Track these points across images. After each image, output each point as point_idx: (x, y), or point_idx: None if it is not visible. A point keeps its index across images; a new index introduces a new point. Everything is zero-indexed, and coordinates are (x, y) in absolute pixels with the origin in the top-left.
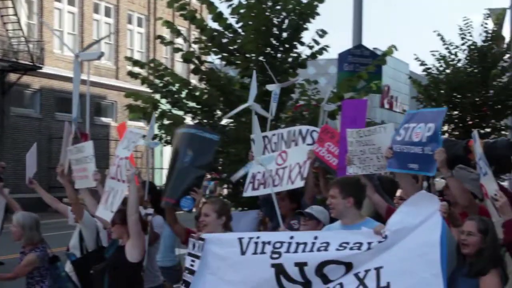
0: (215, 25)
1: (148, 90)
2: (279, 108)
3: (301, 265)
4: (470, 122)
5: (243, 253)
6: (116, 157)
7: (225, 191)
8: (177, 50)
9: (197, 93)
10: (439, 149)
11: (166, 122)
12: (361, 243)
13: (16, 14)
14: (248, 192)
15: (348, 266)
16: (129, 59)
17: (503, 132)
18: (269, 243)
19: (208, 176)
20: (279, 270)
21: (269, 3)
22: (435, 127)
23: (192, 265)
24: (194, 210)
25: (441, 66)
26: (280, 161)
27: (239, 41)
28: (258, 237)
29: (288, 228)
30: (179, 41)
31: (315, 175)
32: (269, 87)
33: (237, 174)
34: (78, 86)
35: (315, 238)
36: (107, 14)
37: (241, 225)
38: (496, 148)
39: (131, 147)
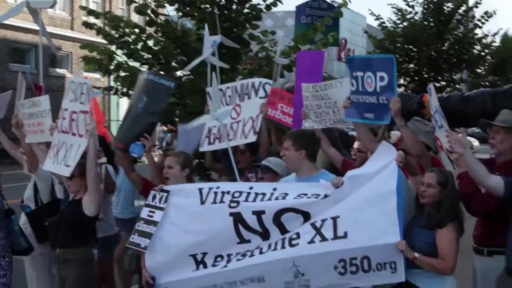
0: None
1: (103, 41)
2: (235, 60)
3: (258, 214)
4: (426, 75)
5: (202, 202)
6: (63, 110)
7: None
8: (131, 1)
9: (152, 44)
10: (394, 98)
11: (122, 74)
12: (318, 194)
13: None
14: (204, 147)
15: (306, 216)
16: (84, 8)
17: (458, 86)
18: (228, 192)
19: (165, 128)
20: (237, 219)
21: None
22: (388, 76)
23: (150, 216)
24: (144, 157)
25: (398, 19)
26: (235, 115)
27: None
28: (218, 187)
29: (245, 181)
30: None
31: (268, 129)
32: (212, 37)
33: (191, 125)
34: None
35: (274, 189)
36: None
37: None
38: (450, 103)
39: (85, 100)
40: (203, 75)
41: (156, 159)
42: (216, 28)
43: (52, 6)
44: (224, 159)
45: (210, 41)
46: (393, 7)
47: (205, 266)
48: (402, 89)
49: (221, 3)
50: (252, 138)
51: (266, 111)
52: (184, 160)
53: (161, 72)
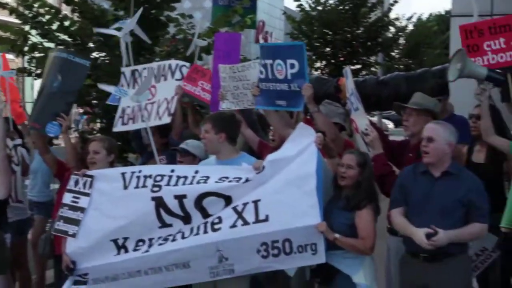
0: None
1: (17, 21)
2: (153, 42)
3: (180, 198)
4: (342, 59)
5: (125, 187)
6: None
7: (98, 125)
8: None
9: (68, 24)
10: (305, 84)
11: (37, 55)
12: (240, 178)
13: None
14: (118, 127)
15: (227, 200)
16: None
17: (373, 69)
18: (150, 176)
19: (81, 110)
20: (159, 203)
21: None
22: (299, 63)
23: (75, 202)
24: (60, 136)
25: (314, 3)
26: (149, 95)
27: None
28: (140, 171)
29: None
30: None
31: (184, 110)
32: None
33: (106, 87)
34: None
35: (196, 172)
36: None
37: None
38: (366, 87)
39: None
40: (121, 57)
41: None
42: (132, 8)
43: None
44: (135, 141)
45: (128, 23)
46: None
47: (126, 251)
48: (318, 72)
49: None
50: (166, 119)
51: (182, 93)
52: (109, 145)
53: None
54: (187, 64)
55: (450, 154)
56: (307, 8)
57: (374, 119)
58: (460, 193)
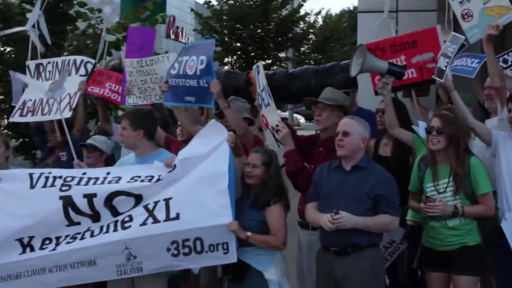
0: None
1: None
2: (61, 37)
3: (90, 197)
4: (252, 54)
5: (32, 187)
6: None
7: (6, 122)
8: None
9: None
10: (213, 81)
11: None
12: (152, 176)
13: None
14: (16, 118)
15: (138, 199)
16: None
17: (283, 64)
18: (60, 177)
19: None
20: (67, 202)
21: None
22: (207, 59)
23: None
24: None
25: None
26: (64, 92)
27: None
28: (49, 172)
29: (55, 159)
30: None
31: (92, 107)
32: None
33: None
34: None
35: (108, 173)
36: None
37: None
38: (275, 80)
39: None
40: (27, 51)
41: None
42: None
43: None
44: (36, 136)
45: (35, 16)
46: None
47: (32, 250)
48: (228, 67)
49: None
50: (67, 114)
51: (85, 89)
52: (5, 140)
53: None
54: (92, 60)
55: (364, 149)
56: (216, 4)
57: (285, 113)
58: (368, 186)
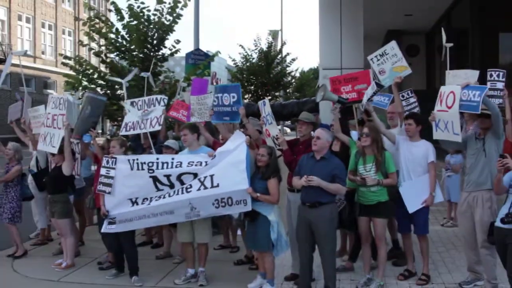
0: (112, 36)
1: (74, 73)
2: (149, 84)
3: (167, 176)
4: (260, 93)
5: (131, 168)
6: (48, 113)
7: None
8: (90, 49)
9: (103, 75)
10: (240, 107)
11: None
12: (201, 161)
13: None
14: (123, 132)
15: (194, 175)
16: (61, 55)
17: (278, 99)
18: (144, 163)
19: (113, 123)
20: (155, 179)
21: (146, 23)
22: (237, 95)
23: (108, 173)
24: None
25: (244, 61)
26: (144, 114)
27: (128, 45)
28: (137, 159)
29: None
30: (93, 44)
31: (171, 124)
32: (145, 73)
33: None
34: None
35: (172, 159)
36: (50, 28)
37: None
38: (274, 107)
39: (62, 107)
40: (136, 91)
41: (101, 142)
42: (142, 65)
43: (24, 54)
44: (132, 142)
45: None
46: (239, 53)
47: (137, 204)
48: (247, 100)
49: (144, 51)
50: (157, 127)
51: (166, 113)
52: (122, 142)
53: (108, 91)
54: (166, 97)
55: (328, 147)
56: (240, 65)
57: (279, 127)
58: (328, 169)
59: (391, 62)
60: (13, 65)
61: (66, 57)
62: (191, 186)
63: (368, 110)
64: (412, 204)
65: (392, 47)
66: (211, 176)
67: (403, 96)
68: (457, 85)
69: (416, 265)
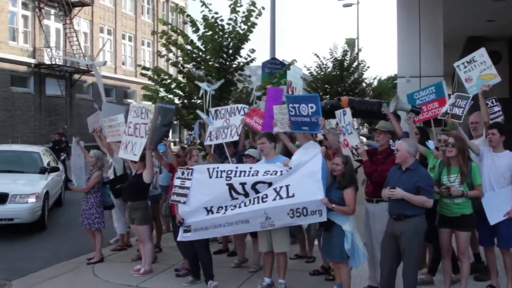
0: (188, 47)
1: (152, 83)
2: (228, 93)
3: (243, 184)
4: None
5: (210, 177)
6: (129, 122)
7: (198, 141)
8: (168, 60)
9: (182, 85)
10: (320, 118)
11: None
12: (276, 171)
13: (77, 40)
14: (207, 142)
15: (269, 184)
16: (139, 66)
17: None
18: (223, 171)
19: (190, 132)
20: (231, 187)
21: (221, 33)
22: (316, 106)
23: (183, 183)
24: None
25: (318, 70)
26: (225, 124)
27: (203, 55)
28: (217, 167)
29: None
30: (170, 55)
31: (246, 132)
32: (203, 85)
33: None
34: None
35: (250, 168)
36: (130, 39)
37: None
38: (352, 101)
39: (145, 116)
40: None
41: (176, 149)
42: (217, 75)
43: (104, 65)
44: (215, 150)
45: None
46: (315, 62)
47: (212, 213)
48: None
49: (220, 61)
50: (236, 137)
51: (243, 123)
52: (197, 151)
53: (185, 101)
54: (247, 106)
55: (412, 157)
56: (314, 74)
57: (363, 138)
58: (413, 180)
59: (479, 69)
60: (95, 75)
61: (144, 68)
62: (266, 196)
63: (455, 124)
64: (494, 216)
65: (481, 54)
66: (287, 186)
67: (487, 105)
68: None
69: (499, 281)
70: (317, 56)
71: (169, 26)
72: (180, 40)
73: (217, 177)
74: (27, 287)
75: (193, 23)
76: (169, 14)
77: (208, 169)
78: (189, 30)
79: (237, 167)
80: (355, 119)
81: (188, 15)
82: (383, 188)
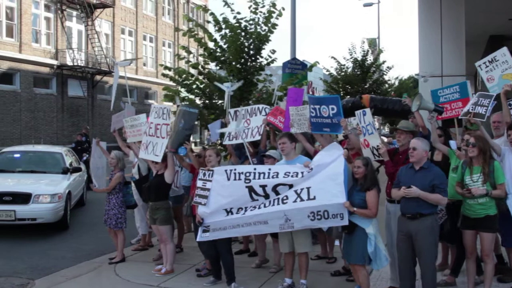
0: (211, 45)
1: (173, 84)
2: (249, 93)
3: (263, 186)
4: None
5: (228, 179)
6: (151, 123)
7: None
8: (188, 61)
9: (202, 86)
10: (342, 119)
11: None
12: (297, 172)
13: (99, 41)
14: (226, 141)
15: (290, 186)
16: (161, 65)
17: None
18: (242, 173)
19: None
20: (250, 189)
21: (243, 33)
22: (337, 107)
23: (204, 185)
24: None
25: (338, 70)
26: (246, 124)
27: (226, 55)
28: (235, 169)
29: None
30: (190, 56)
31: (267, 132)
32: (225, 85)
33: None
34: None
35: (269, 169)
36: (151, 40)
37: None
38: (374, 99)
39: (166, 117)
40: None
41: (198, 149)
42: (238, 75)
43: (129, 64)
44: (236, 150)
45: (235, 84)
46: (336, 62)
47: (232, 214)
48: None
49: (241, 61)
50: (257, 137)
51: (266, 123)
52: (217, 151)
53: (207, 101)
54: (269, 106)
55: (426, 157)
56: (334, 74)
57: (383, 138)
58: (428, 179)
59: (501, 69)
60: (114, 75)
61: (166, 68)
62: (287, 198)
63: (477, 123)
64: None
65: (504, 53)
66: (308, 188)
67: (510, 105)
68: None
69: None
70: (335, 59)
71: (193, 22)
72: (204, 38)
73: (235, 179)
74: (50, 286)
75: (217, 21)
76: (189, 15)
77: (225, 170)
78: (211, 30)
79: (255, 169)
80: (376, 117)
81: (212, 13)
82: (392, 188)
